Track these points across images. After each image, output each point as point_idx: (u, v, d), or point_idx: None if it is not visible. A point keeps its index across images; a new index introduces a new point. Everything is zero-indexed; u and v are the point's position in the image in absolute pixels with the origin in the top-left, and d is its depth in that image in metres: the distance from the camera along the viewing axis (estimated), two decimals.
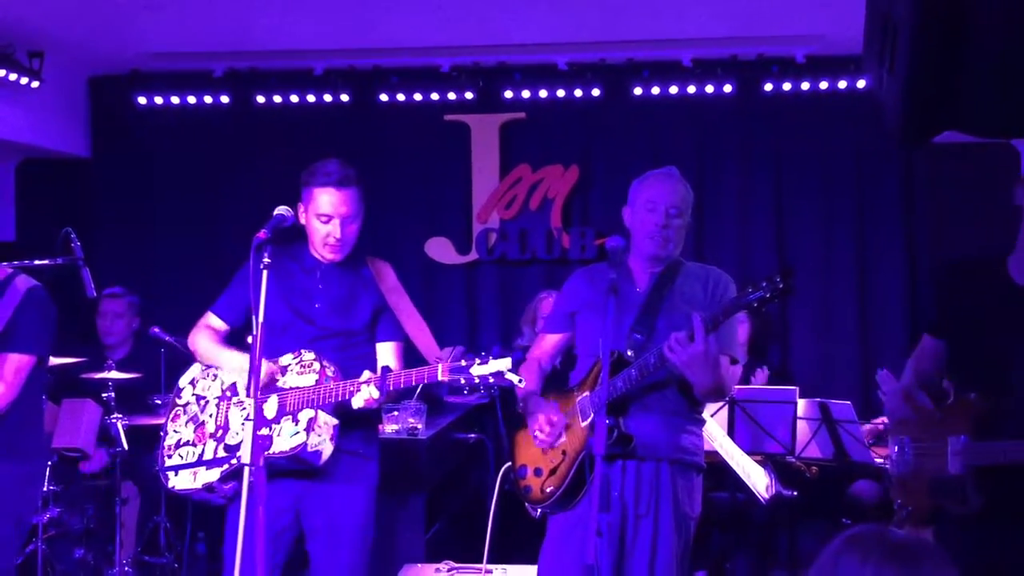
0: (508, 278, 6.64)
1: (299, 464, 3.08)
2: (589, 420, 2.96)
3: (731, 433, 4.69)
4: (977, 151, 6.07)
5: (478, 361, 2.86)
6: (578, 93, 6.30)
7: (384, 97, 6.42)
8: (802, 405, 4.81)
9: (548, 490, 3.04)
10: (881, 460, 4.78)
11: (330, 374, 3.10)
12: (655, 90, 6.25)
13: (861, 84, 6.02)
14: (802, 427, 4.80)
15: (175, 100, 6.51)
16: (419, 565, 4.34)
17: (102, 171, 6.72)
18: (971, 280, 2.86)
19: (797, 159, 6.44)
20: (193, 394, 3.36)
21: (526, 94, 6.35)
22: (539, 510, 3.12)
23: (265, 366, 3.03)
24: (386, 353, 3.31)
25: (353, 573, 3.24)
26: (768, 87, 6.21)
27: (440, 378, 2.91)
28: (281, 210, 2.98)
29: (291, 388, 3.12)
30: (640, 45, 6.11)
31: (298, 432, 3.05)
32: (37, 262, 4.08)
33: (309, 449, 3.04)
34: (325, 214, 3.19)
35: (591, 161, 6.54)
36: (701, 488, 3.11)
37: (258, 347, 2.76)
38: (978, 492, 2.59)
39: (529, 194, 6.51)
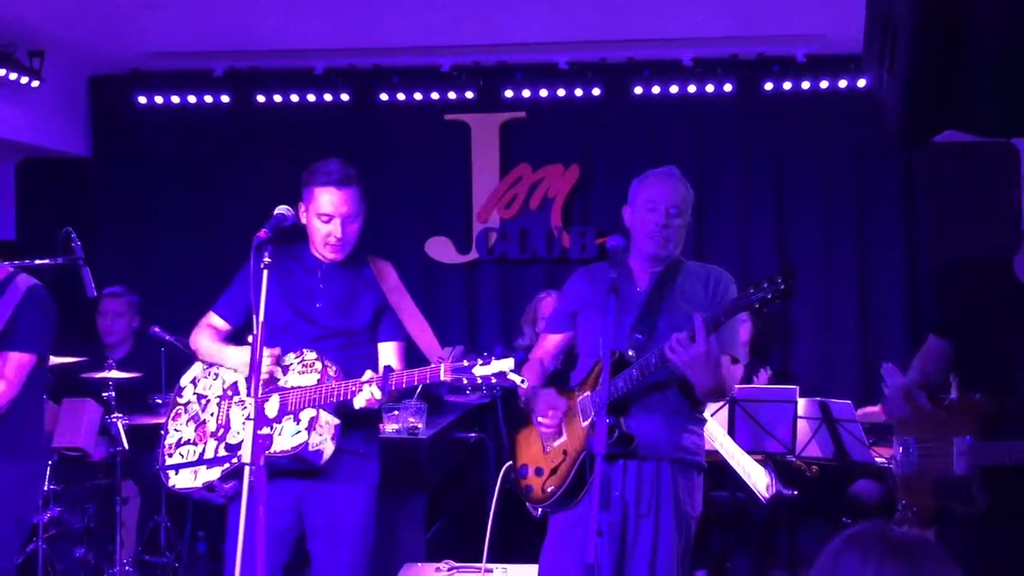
0: (508, 277, 6.64)
1: (300, 464, 3.09)
2: (590, 420, 2.96)
3: (731, 432, 4.69)
4: (977, 150, 6.08)
5: (480, 361, 2.86)
6: (578, 92, 6.30)
7: (384, 96, 6.42)
8: (802, 404, 4.81)
9: (549, 490, 3.04)
10: (882, 460, 4.78)
11: (332, 374, 3.10)
12: (655, 89, 6.25)
13: (861, 83, 6.02)
14: (802, 426, 4.80)
15: (175, 99, 6.51)
16: (419, 564, 4.35)
17: (102, 171, 6.72)
18: (977, 280, 2.86)
19: (797, 158, 6.44)
20: (194, 393, 3.36)
21: (526, 93, 6.35)
22: (540, 509, 3.12)
23: (267, 360, 3.04)
24: (387, 353, 3.31)
25: (354, 573, 3.24)
26: (768, 86, 6.21)
27: (443, 378, 2.91)
28: (281, 209, 2.98)
29: (293, 387, 3.12)
30: (640, 44, 6.11)
31: (299, 431, 3.05)
32: (37, 262, 4.07)
33: (310, 448, 3.04)
34: (326, 213, 3.19)
35: (591, 160, 6.54)
36: (702, 487, 3.12)
37: (258, 347, 2.76)
38: (983, 492, 2.59)
39: (529, 193, 6.51)
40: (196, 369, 3.42)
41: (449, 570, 4.25)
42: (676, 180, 3.12)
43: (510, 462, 3.25)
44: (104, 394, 4.75)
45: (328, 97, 6.42)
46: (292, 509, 3.23)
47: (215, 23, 5.65)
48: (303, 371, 3.14)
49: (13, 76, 5.63)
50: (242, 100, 6.50)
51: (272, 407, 3.11)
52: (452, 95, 6.39)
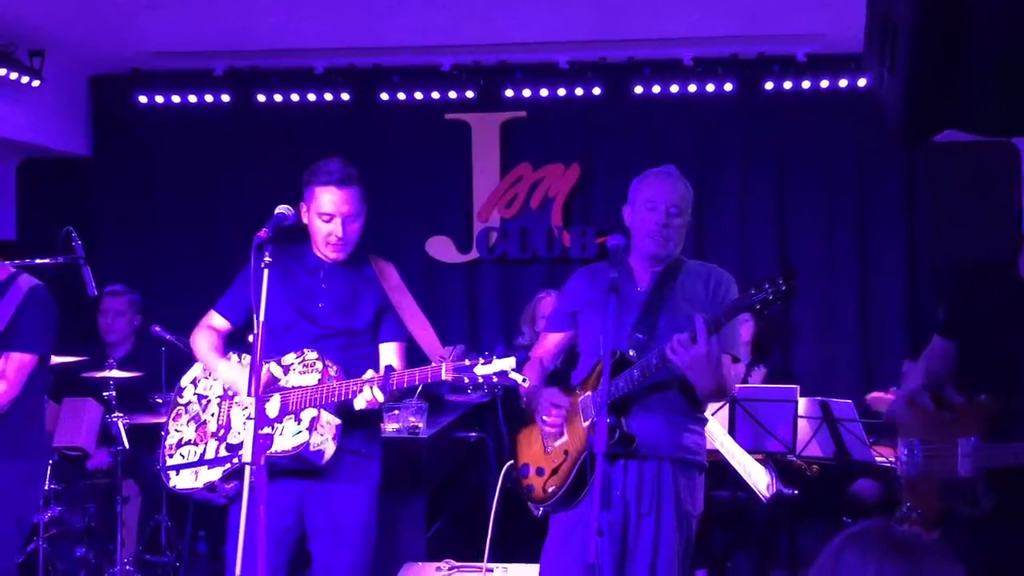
0: (509, 277, 6.64)
1: (301, 464, 3.09)
2: (591, 420, 2.96)
3: (732, 432, 4.69)
4: (978, 150, 6.08)
5: (482, 360, 2.86)
6: (579, 92, 6.30)
7: (385, 96, 6.42)
8: (803, 404, 4.81)
9: (550, 490, 3.04)
10: (882, 459, 4.78)
11: (332, 373, 3.10)
12: (656, 89, 6.25)
13: (862, 83, 6.02)
14: (803, 426, 4.80)
15: (176, 99, 6.51)
16: (420, 564, 4.35)
17: (103, 170, 6.72)
18: (981, 281, 2.86)
19: (798, 158, 6.44)
20: (195, 393, 3.36)
21: (527, 93, 6.35)
22: (541, 509, 3.12)
23: (265, 373, 3.04)
24: (389, 353, 3.31)
25: (355, 572, 3.24)
26: (769, 86, 6.21)
27: (444, 377, 2.91)
28: (282, 209, 2.98)
29: (293, 387, 3.13)
30: (641, 44, 6.11)
31: (300, 431, 3.05)
32: (38, 261, 4.08)
33: (311, 448, 3.04)
34: (327, 213, 3.19)
35: (592, 160, 6.55)
36: (703, 486, 3.11)
37: (259, 346, 2.76)
38: (988, 494, 2.59)
39: (530, 193, 6.51)
40: (196, 369, 3.42)
41: (450, 569, 4.25)
42: (675, 179, 3.12)
43: (511, 461, 3.25)
44: (105, 393, 4.75)
45: (328, 96, 6.42)
46: (294, 509, 3.23)
47: (215, 23, 5.65)
48: (304, 371, 3.14)
49: (14, 76, 5.63)
50: (242, 99, 6.50)
51: (273, 407, 3.11)
52: (453, 94, 6.39)
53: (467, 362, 2.88)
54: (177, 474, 3.25)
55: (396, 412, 4.55)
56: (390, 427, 4.50)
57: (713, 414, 4.54)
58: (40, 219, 6.53)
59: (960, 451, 2.64)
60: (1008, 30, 1.66)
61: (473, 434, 5.59)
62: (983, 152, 6.12)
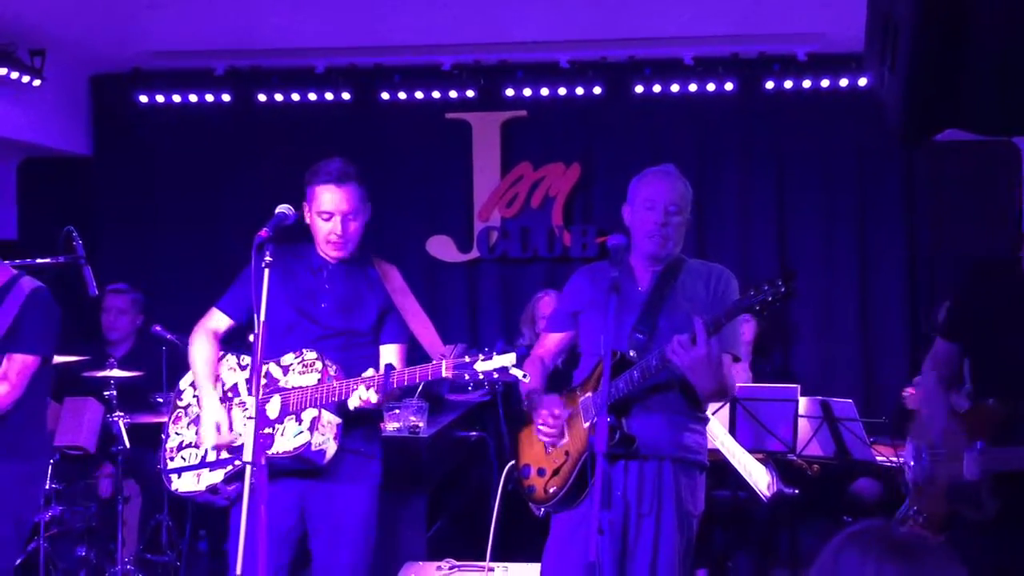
0: (509, 276, 6.64)
1: (303, 464, 3.09)
2: (592, 421, 2.95)
3: (732, 431, 4.69)
4: (978, 149, 6.07)
5: (482, 357, 2.86)
6: (579, 91, 6.30)
7: (385, 95, 6.42)
8: (803, 403, 4.81)
9: (551, 490, 3.04)
10: (882, 458, 4.78)
11: (332, 373, 3.10)
12: (656, 88, 6.25)
13: (862, 82, 6.01)
14: (803, 425, 4.80)
15: (176, 98, 6.51)
16: (421, 563, 4.35)
17: (104, 169, 6.72)
18: (986, 281, 2.86)
19: (798, 157, 6.44)
20: (194, 396, 3.35)
21: (527, 92, 6.35)
22: (543, 509, 3.12)
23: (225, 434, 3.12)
24: (389, 355, 3.30)
25: (355, 572, 3.24)
26: (769, 85, 6.21)
27: (444, 374, 2.91)
28: (283, 208, 2.98)
29: (293, 388, 3.13)
30: (641, 43, 6.10)
31: (301, 432, 3.05)
32: (39, 261, 4.09)
33: (313, 448, 3.05)
34: (327, 211, 3.20)
35: (592, 159, 6.54)
36: (704, 486, 3.11)
37: (259, 346, 2.76)
38: (994, 498, 2.58)
39: (530, 192, 6.51)
40: None
41: (450, 569, 4.25)
42: (674, 178, 3.12)
43: (512, 462, 3.25)
44: (105, 393, 4.75)
45: (329, 96, 6.42)
46: (295, 509, 3.23)
47: (216, 22, 5.65)
48: (303, 371, 3.14)
49: (14, 75, 5.63)
50: (243, 99, 6.50)
51: (273, 408, 3.11)
52: (453, 94, 6.39)
53: (467, 359, 2.88)
54: (179, 477, 3.25)
55: (396, 411, 4.55)
56: (391, 426, 4.50)
57: (714, 413, 4.53)
58: (41, 219, 6.53)
59: (966, 455, 2.63)
60: (1009, 30, 1.67)
61: (474, 433, 5.59)
62: (983, 151, 6.12)
